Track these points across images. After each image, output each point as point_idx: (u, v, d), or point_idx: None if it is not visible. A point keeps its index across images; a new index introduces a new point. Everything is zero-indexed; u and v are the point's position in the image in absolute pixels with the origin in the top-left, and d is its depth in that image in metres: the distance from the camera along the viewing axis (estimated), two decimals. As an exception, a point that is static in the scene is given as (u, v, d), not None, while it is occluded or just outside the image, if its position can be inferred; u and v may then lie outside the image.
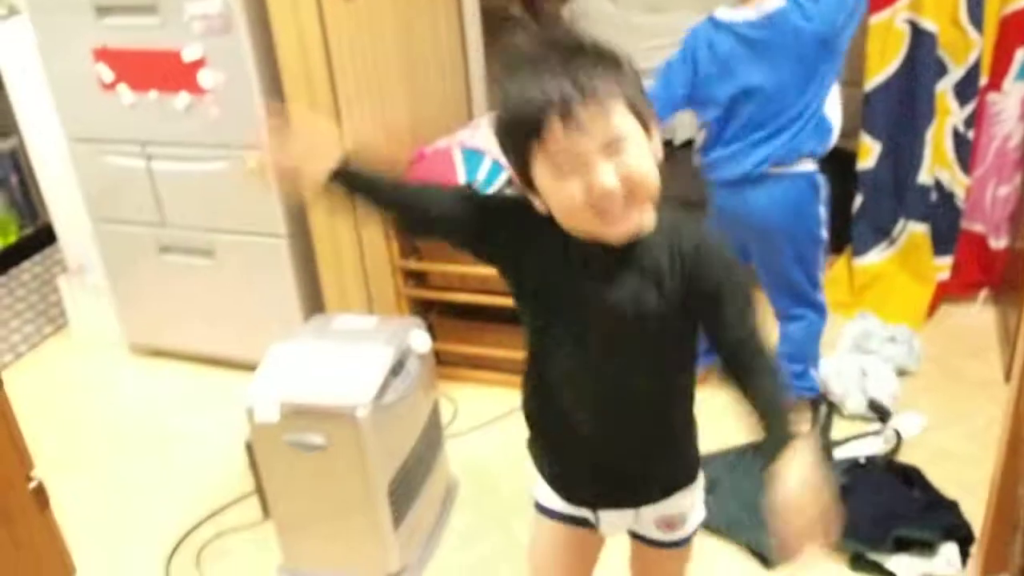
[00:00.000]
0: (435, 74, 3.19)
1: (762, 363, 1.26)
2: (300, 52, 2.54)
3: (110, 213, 3.05)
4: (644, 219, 1.21)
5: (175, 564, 2.37)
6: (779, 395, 1.24)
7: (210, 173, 2.83)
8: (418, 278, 3.00)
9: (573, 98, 1.13)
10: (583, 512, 1.52)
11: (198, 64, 2.67)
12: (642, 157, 1.18)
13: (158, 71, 2.73)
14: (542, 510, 1.57)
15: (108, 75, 2.78)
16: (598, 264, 1.27)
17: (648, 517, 1.50)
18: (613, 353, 1.32)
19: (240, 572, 2.33)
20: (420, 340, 2.26)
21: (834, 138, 2.38)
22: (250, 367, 2.17)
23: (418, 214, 1.43)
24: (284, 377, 2.12)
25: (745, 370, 1.26)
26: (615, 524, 1.53)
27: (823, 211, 2.43)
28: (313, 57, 2.55)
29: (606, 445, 1.41)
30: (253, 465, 2.18)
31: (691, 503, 1.52)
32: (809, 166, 2.36)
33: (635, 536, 1.57)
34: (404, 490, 2.20)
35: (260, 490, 2.22)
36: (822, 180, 2.40)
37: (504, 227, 1.34)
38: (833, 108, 2.35)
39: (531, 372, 1.44)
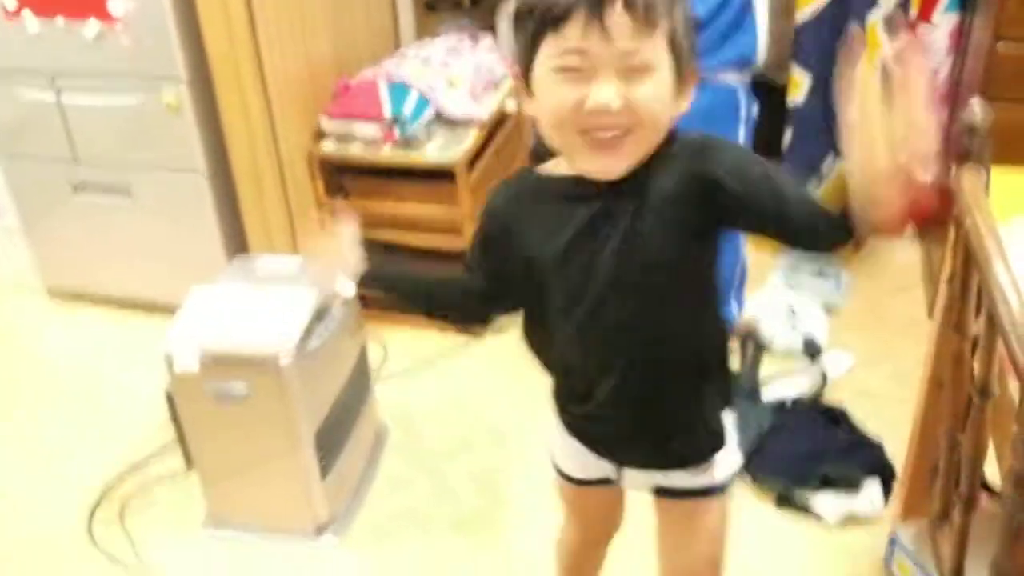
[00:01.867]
0: (360, 2, 3.08)
1: (811, 208, 1.13)
2: (216, -22, 2.42)
3: (19, 150, 2.90)
4: (640, 160, 1.11)
5: (98, 517, 2.30)
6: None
7: (124, 107, 2.70)
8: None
9: (614, 1, 1.01)
10: (603, 471, 1.42)
11: (106, -10, 2.53)
12: (658, 96, 1.06)
13: (64, -3, 2.58)
14: (561, 475, 1.49)
15: (11, 1, 2.63)
16: (604, 209, 1.15)
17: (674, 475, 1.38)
18: (636, 304, 1.20)
19: (164, 524, 2.28)
20: (345, 283, 2.20)
21: (760, 49, 2.30)
22: (172, 310, 2.10)
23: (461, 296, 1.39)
24: (204, 324, 2.05)
25: (804, 225, 1.13)
26: (638, 480, 1.41)
27: (742, 132, 2.36)
28: (229, -15, 2.43)
29: (636, 403, 1.29)
30: (174, 415, 2.12)
31: (727, 455, 1.38)
32: (731, 79, 2.29)
33: (661, 492, 1.41)
34: (331, 438, 2.16)
35: (182, 441, 2.16)
36: (744, 98, 2.32)
37: (503, 226, 1.25)
38: (760, 15, 2.27)
39: (546, 335, 1.31)
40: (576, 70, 1.04)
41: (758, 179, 1.11)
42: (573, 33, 1.02)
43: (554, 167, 1.22)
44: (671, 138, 1.14)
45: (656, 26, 1.04)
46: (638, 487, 1.43)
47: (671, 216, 1.13)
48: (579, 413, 1.37)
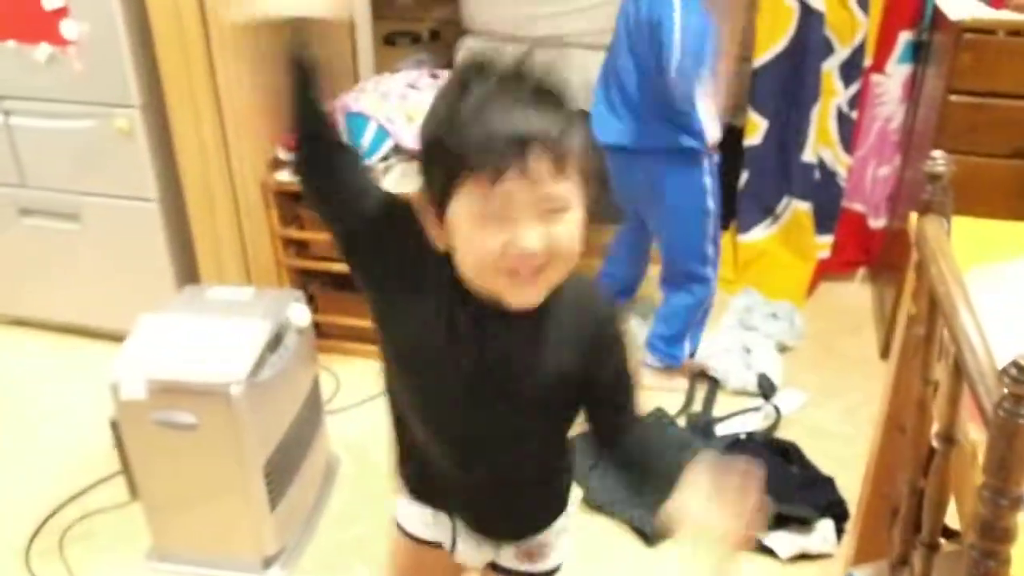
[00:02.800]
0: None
1: (652, 453, 1.25)
2: (172, 4, 2.39)
3: (-35, 172, 2.84)
4: (552, 287, 1.11)
5: (36, 547, 2.23)
6: (675, 467, 1.18)
7: (75, 131, 2.65)
8: (299, 247, 2.89)
9: (534, 143, 1.00)
10: (440, 536, 1.44)
11: (60, 13, 2.49)
12: (575, 231, 1.07)
13: (16, 19, 2.53)
14: (400, 529, 1.50)
15: (-39, 23, 2.58)
16: (492, 326, 1.15)
17: (509, 550, 1.42)
18: (497, 416, 1.21)
19: (106, 556, 2.21)
20: (299, 313, 2.17)
21: (709, 136, 2.40)
22: (119, 338, 2.05)
23: (340, 177, 1.20)
24: (152, 351, 2.00)
25: (637, 462, 1.25)
26: (471, 554, 1.44)
27: (709, 182, 2.45)
28: (186, 11, 2.40)
29: (477, 488, 1.32)
30: (119, 444, 2.06)
31: (557, 533, 1.43)
32: (693, 141, 2.39)
33: (495, 569, 1.45)
34: (281, 469, 2.11)
35: (127, 470, 2.10)
36: (709, 183, 2.46)
37: (401, 249, 1.17)
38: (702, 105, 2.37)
39: (395, 401, 1.32)
40: (500, 216, 1.03)
41: (625, 391, 1.23)
42: (494, 180, 1.01)
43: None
44: (579, 281, 1.16)
45: (570, 165, 1.05)
46: (472, 560, 1.45)
47: (558, 362, 1.18)
48: (421, 485, 1.41)
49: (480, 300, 1.12)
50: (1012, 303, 1.15)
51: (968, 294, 0.97)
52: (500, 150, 1.00)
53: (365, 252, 1.19)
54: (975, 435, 1.11)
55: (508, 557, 1.42)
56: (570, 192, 1.05)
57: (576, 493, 1.76)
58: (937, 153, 1.20)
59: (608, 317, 1.21)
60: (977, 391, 0.88)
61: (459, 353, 1.17)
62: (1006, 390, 0.80)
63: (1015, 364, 0.79)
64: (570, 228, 1.06)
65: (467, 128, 1.02)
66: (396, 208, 1.17)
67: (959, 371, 0.96)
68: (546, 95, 1.04)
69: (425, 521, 1.44)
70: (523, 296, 1.09)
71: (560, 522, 1.42)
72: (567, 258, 1.08)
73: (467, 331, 1.15)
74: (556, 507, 1.42)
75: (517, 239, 1.03)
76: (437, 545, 1.45)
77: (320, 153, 1.20)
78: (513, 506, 1.37)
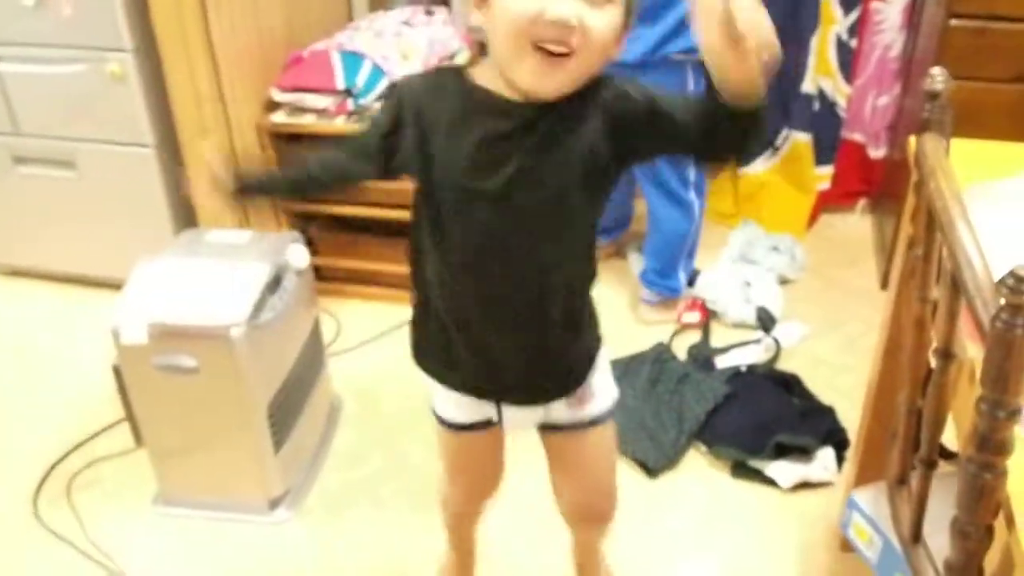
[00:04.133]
0: (311, -28, 3.02)
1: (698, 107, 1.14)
2: (160, -55, 2.35)
3: (-44, 121, 2.81)
4: (569, 86, 1.13)
5: (44, 494, 2.25)
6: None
7: (66, 76, 2.62)
8: (297, 190, 2.88)
9: None
10: (484, 413, 1.44)
11: (47, -44, 2.45)
12: (610, 29, 1.10)
13: (2, -36, 2.50)
14: (443, 423, 1.50)
15: (-55, -32, 2.54)
16: (520, 124, 1.16)
17: (559, 404, 1.42)
18: (535, 225, 1.21)
19: (113, 502, 2.23)
20: (298, 255, 2.17)
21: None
22: (119, 285, 2.04)
23: (343, 176, 1.34)
24: (152, 296, 1.99)
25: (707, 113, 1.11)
26: (519, 420, 1.45)
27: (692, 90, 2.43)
28: (175, -51, 2.36)
29: (521, 333, 1.30)
30: (122, 390, 2.07)
31: (600, 371, 1.44)
32: (680, 59, 2.35)
33: (546, 429, 1.47)
34: (284, 411, 2.12)
35: (131, 416, 2.11)
36: (691, 76, 2.39)
37: (415, 113, 1.21)
38: None
39: (431, 265, 1.29)
40: None
41: (659, 93, 1.16)
42: None
43: (479, 74, 1.21)
44: (596, 82, 1.17)
45: None
46: (521, 426, 1.46)
47: (578, 153, 1.16)
48: (453, 355, 1.36)
49: (503, 101, 1.15)
50: (1010, 218, 1.14)
51: (965, 209, 0.96)
52: None
53: (404, 163, 1.23)
54: (973, 353, 1.10)
55: (560, 411, 1.42)
56: None
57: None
58: (936, 70, 1.18)
59: (613, 84, 1.18)
60: (974, 304, 0.88)
61: (491, 152, 1.17)
62: (1003, 300, 0.80)
63: (1012, 274, 0.79)
64: (608, 20, 1.09)
65: None
66: (391, 120, 1.22)
67: (956, 285, 0.96)
68: None
69: (466, 407, 1.44)
70: (546, 81, 1.10)
71: (598, 360, 1.42)
72: (596, 50, 1.10)
73: (495, 130, 1.16)
74: (593, 345, 1.41)
75: (553, 5, 1.05)
76: (483, 424, 1.45)
77: (316, 190, 1.41)
78: (553, 353, 1.34)
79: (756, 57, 1.01)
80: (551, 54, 1.08)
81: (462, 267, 1.25)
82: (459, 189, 1.20)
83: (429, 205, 1.24)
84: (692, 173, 2.57)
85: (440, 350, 1.38)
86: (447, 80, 1.22)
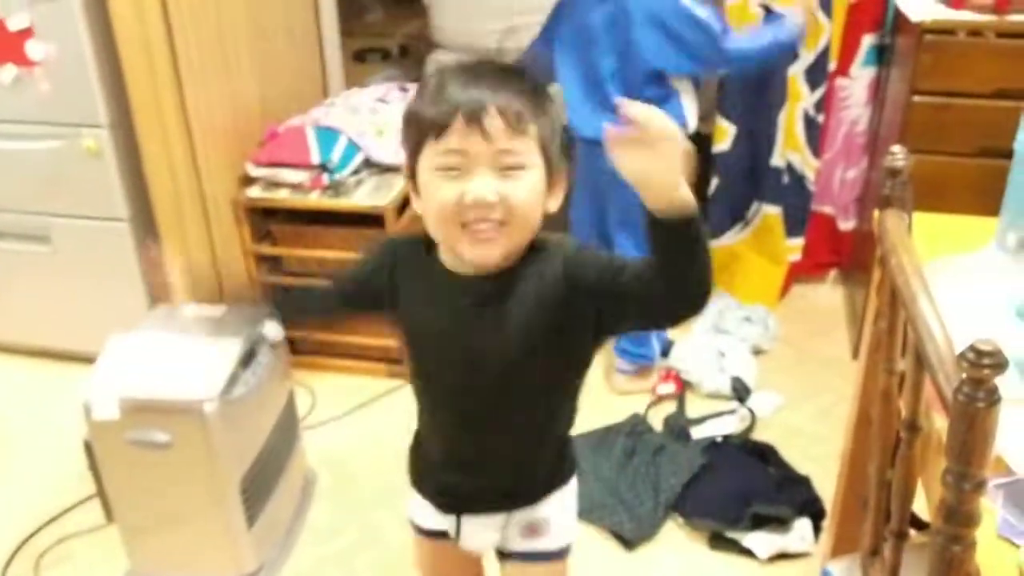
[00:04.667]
0: (286, 48, 3.07)
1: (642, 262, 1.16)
2: (137, 19, 2.39)
3: (-68, 196, 2.81)
4: (511, 252, 1.19)
5: (12, 572, 2.20)
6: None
7: (42, 152, 2.64)
8: (272, 262, 2.89)
9: (488, 107, 1.12)
10: (444, 524, 1.48)
11: (25, 34, 2.48)
12: (530, 193, 1.15)
13: (-20, 42, 2.52)
14: (415, 527, 1.56)
15: (-75, 46, 2.56)
16: (479, 300, 1.24)
17: (515, 526, 1.44)
18: (507, 384, 1.28)
19: (82, 579, 2.19)
20: (272, 329, 2.16)
21: (689, 122, 2.43)
22: (91, 360, 2.03)
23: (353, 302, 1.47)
24: (124, 370, 1.99)
25: (643, 273, 1.15)
26: (476, 537, 1.47)
27: None
28: (151, 25, 2.40)
29: (494, 459, 1.39)
30: (93, 466, 2.04)
31: (560, 508, 1.46)
32: None
33: (502, 556, 1.50)
34: (258, 486, 2.10)
35: (101, 492, 2.08)
36: None
37: (390, 267, 1.33)
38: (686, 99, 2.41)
39: (422, 415, 1.43)
40: (456, 169, 1.14)
41: (606, 261, 1.20)
42: (453, 136, 1.13)
43: (441, 249, 1.28)
44: (543, 241, 1.23)
45: (526, 130, 1.14)
46: (478, 546, 1.49)
47: (536, 311, 1.22)
48: (431, 465, 1.46)
49: (462, 278, 1.23)
50: (971, 292, 1.17)
51: (927, 283, 0.99)
52: (454, 111, 1.12)
53: (383, 303, 1.34)
54: (940, 423, 1.12)
55: (513, 538, 1.45)
56: (528, 151, 1.15)
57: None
58: (896, 148, 1.21)
59: (567, 251, 1.23)
60: (937, 378, 0.89)
61: (457, 326, 1.26)
62: (964, 375, 0.81)
63: (972, 349, 0.80)
64: (527, 185, 1.15)
65: (430, 98, 1.16)
66: (370, 267, 1.37)
67: (920, 359, 0.97)
68: (506, 71, 1.17)
69: (428, 513, 1.49)
70: (482, 252, 1.17)
71: (561, 495, 1.44)
72: (524, 216, 1.16)
73: (458, 306, 1.25)
74: (556, 471, 1.44)
75: (471, 187, 1.13)
76: (442, 534, 1.49)
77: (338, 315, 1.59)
78: (515, 464, 1.39)
79: (667, 152, 1.03)
80: (480, 232, 1.15)
81: (442, 406, 1.37)
82: (432, 353, 1.32)
83: (409, 351, 1.36)
84: None
85: (420, 457, 1.50)
86: (418, 253, 1.29)
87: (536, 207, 1.17)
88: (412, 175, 1.22)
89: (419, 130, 1.17)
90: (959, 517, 0.88)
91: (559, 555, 1.48)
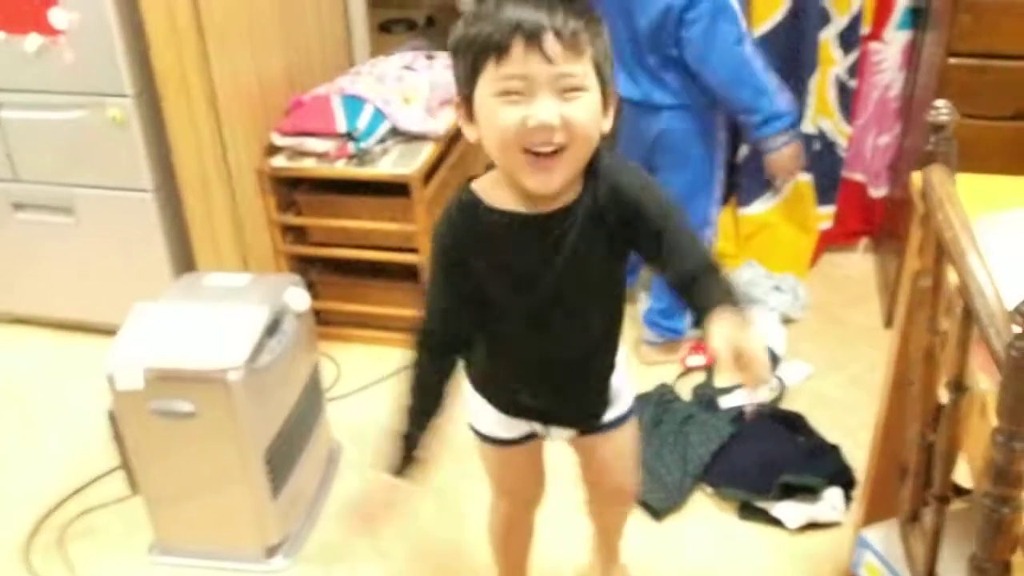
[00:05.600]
0: (312, 17, 3.04)
1: (695, 253, 1.27)
2: (162, -10, 2.36)
3: (-44, 168, 2.81)
4: (570, 176, 1.22)
5: (36, 544, 2.21)
6: (714, 266, 1.26)
7: (67, 123, 2.62)
8: (298, 233, 2.87)
9: (547, 27, 1.12)
10: (526, 429, 1.58)
11: (49, 2, 2.45)
12: (590, 114, 1.17)
13: (4, 9, 2.50)
14: (484, 438, 1.62)
15: (-52, 16, 2.55)
16: (548, 236, 1.28)
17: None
18: (574, 312, 1.36)
19: (108, 551, 2.19)
20: (298, 298, 2.15)
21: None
22: (116, 331, 2.02)
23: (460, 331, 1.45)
24: (148, 340, 1.98)
25: (681, 263, 1.26)
26: (561, 433, 1.60)
27: (722, 136, 2.54)
28: (177, -2, 2.37)
29: (567, 391, 1.48)
30: (117, 436, 2.04)
31: (619, 381, 1.58)
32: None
33: (582, 432, 1.61)
34: (282, 457, 2.09)
35: (126, 463, 2.08)
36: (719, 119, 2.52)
37: (465, 250, 1.33)
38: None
39: (489, 340, 1.45)
40: (518, 93, 1.14)
41: (670, 214, 1.28)
42: (514, 60, 1.13)
43: (491, 189, 1.31)
44: (597, 158, 1.26)
45: (583, 52, 1.16)
46: (563, 436, 1.62)
47: (599, 236, 1.29)
48: (514, 398, 1.52)
49: (528, 218, 1.27)
50: (1016, 250, 1.12)
51: (975, 238, 0.95)
52: (514, 32, 1.12)
53: (473, 285, 1.36)
54: (984, 385, 1.08)
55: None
56: (585, 74, 1.16)
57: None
58: (940, 102, 1.17)
59: (633, 177, 1.28)
60: (988, 334, 0.85)
61: (535, 266, 1.31)
62: (1018, 329, 0.78)
63: (1026, 301, 0.77)
64: (586, 107, 1.16)
65: (486, 20, 1.15)
66: (445, 271, 1.37)
67: (969, 315, 0.93)
68: None
69: (509, 424, 1.57)
70: (543, 179, 1.19)
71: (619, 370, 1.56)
72: (584, 139, 1.18)
73: (531, 247, 1.29)
74: (614, 359, 1.54)
75: (533, 112, 1.13)
76: (526, 438, 1.59)
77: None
78: (600, 382, 1.52)
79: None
80: (543, 155, 1.17)
81: (523, 342, 1.42)
82: (510, 302, 1.36)
83: (486, 306, 1.38)
84: (704, 210, 2.58)
85: (496, 387, 1.53)
86: (468, 214, 1.31)
87: (595, 128, 1.19)
88: (466, 102, 1.22)
89: (476, 55, 1.16)
90: (1009, 478, 0.84)
91: (631, 413, 1.63)
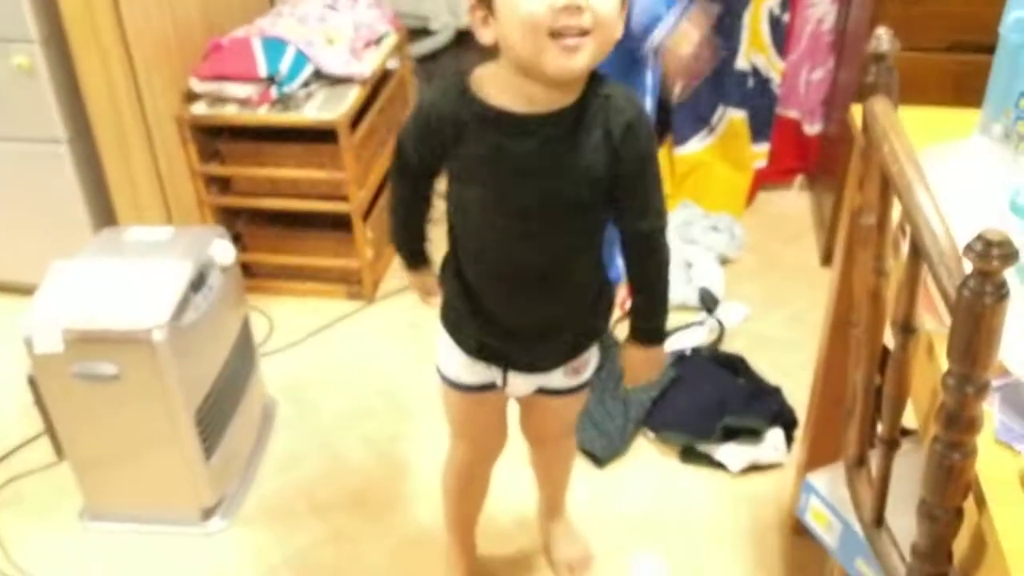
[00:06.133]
0: (228, -43, 2.90)
1: (656, 260, 1.43)
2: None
3: None
4: (591, 64, 1.21)
5: (-40, 515, 2.12)
6: (662, 294, 1.47)
7: (-31, 72, 2.48)
8: (222, 184, 2.76)
9: None
10: (490, 377, 1.56)
11: (-59, -56, 2.30)
12: (613, 6, 1.19)
13: None
14: (450, 383, 1.61)
15: None
16: (542, 142, 1.27)
17: (558, 372, 1.57)
18: (556, 218, 1.34)
19: (37, 519, 2.11)
20: (223, 251, 2.06)
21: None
22: (33, 291, 1.92)
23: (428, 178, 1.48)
24: (67, 300, 1.88)
25: (641, 259, 1.43)
26: (521, 386, 1.58)
27: (650, 79, 2.42)
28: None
29: (540, 312, 1.45)
30: (39, 402, 1.95)
31: (595, 349, 1.61)
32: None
33: (538, 392, 1.61)
34: (214, 417, 2.02)
35: (50, 429, 1.99)
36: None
37: (442, 135, 1.32)
38: None
39: (462, 248, 1.45)
40: None
41: (647, 179, 1.34)
42: None
43: (486, 82, 1.29)
44: (601, 81, 1.29)
45: None
46: (522, 391, 1.61)
47: (591, 159, 1.29)
48: (481, 337, 1.50)
49: (521, 125, 1.26)
50: (961, 184, 1.10)
51: (923, 171, 0.91)
52: None
53: (443, 158, 1.37)
54: (929, 325, 1.06)
55: (557, 378, 1.58)
56: None
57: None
58: (880, 31, 1.13)
59: (633, 118, 1.28)
60: (938, 272, 0.82)
61: (527, 166, 1.29)
62: (971, 267, 0.74)
63: (980, 239, 0.73)
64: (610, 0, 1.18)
65: None
66: (420, 137, 1.37)
67: (917, 255, 0.90)
68: None
69: (474, 370, 1.56)
70: (568, 62, 1.18)
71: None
72: (607, 27, 1.19)
73: (527, 147, 1.28)
74: (599, 326, 1.58)
75: None
76: (488, 387, 1.58)
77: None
78: (576, 314, 1.50)
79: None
80: (570, 36, 1.17)
81: (495, 250, 1.40)
82: (491, 198, 1.34)
83: (463, 197, 1.38)
84: None
85: (464, 315, 1.50)
86: (461, 100, 1.30)
87: (616, 21, 1.21)
88: (482, 3, 1.21)
89: None
90: (961, 423, 0.81)
91: (588, 383, 1.64)
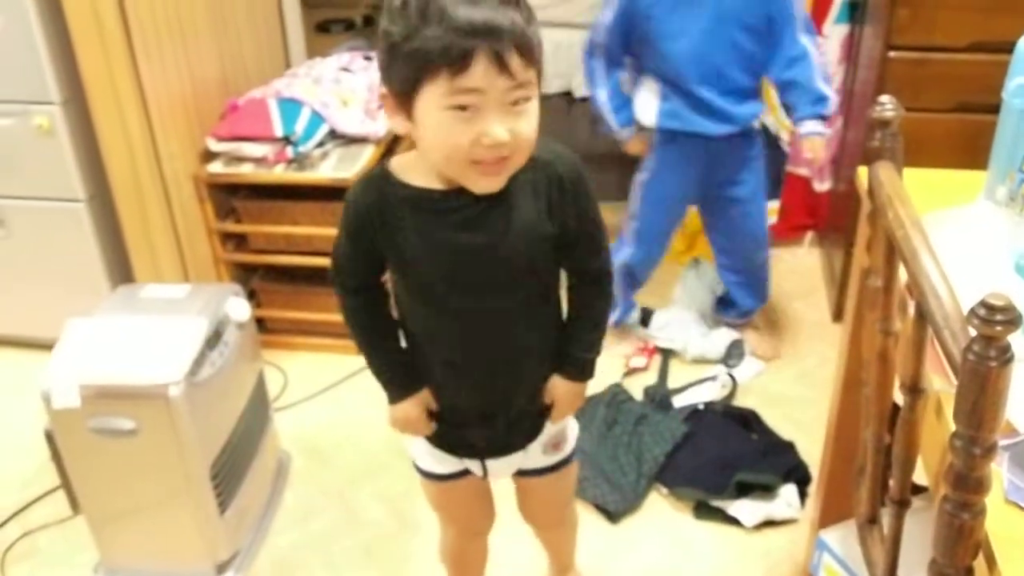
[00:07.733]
0: (245, 19, 2.97)
1: (605, 295, 1.42)
2: (87, -6, 2.28)
3: None
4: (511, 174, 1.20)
5: (-26, 569, 2.13)
6: (604, 328, 1.45)
7: (-8, 132, 2.53)
8: (238, 240, 2.80)
9: (510, 37, 1.06)
10: (463, 465, 1.53)
11: (-32, 9, 2.37)
12: (535, 122, 1.16)
13: (-79, 18, 2.41)
14: (425, 475, 1.58)
15: None
16: (472, 216, 1.23)
17: (538, 446, 1.53)
18: (503, 294, 1.31)
19: (53, 573, 2.12)
20: (238, 308, 2.09)
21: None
22: (51, 347, 1.95)
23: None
24: (84, 356, 1.90)
25: (592, 296, 1.41)
26: (502, 470, 1.55)
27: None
28: (102, 1, 2.29)
29: (501, 388, 1.41)
30: (56, 456, 1.97)
31: (572, 422, 1.58)
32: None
33: (521, 474, 1.58)
34: (229, 471, 2.03)
35: (66, 483, 2.00)
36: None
37: (372, 227, 1.29)
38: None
39: (415, 338, 1.41)
40: (471, 107, 1.09)
41: (591, 231, 1.33)
42: (473, 75, 1.06)
43: (408, 166, 1.26)
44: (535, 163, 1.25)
45: (536, 54, 1.12)
46: (503, 475, 1.57)
47: (531, 224, 1.25)
48: (450, 419, 1.46)
49: (453, 199, 1.22)
50: (966, 248, 1.12)
51: (927, 237, 0.93)
52: (468, 42, 1.04)
53: (380, 257, 1.33)
54: (938, 385, 1.07)
55: (536, 456, 1.54)
56: (534, 81, 1.13)
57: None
58: (884, 98, 1.16)
59: (569, 170, 1.27)
60: (943, 336, 0.84)
61: (449, 245, 1.26)
62: (975, 332, 0.76)
63: (984, 304, 0.75)
64: (533, 115, 1.15)
65: (431, 23, 1.06)
66: (351, 226, 1.32)
67: (923, 317, 0.92)
68: None
69: (445, 459, 1.53)
70: (489, 184, 1.18)
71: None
72: (529, 146, 1.16)
73: (459, 220, 1.24)
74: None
75: (488, 132, 1.10)
76: (462, 474, 1.55)
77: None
78: (536, 388, 1.45)
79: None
80: (490, 163, 1.15)
81: (449, 334, 1.36)
82: (438, 284, 1.30)
83: (407, 283, 1.34)
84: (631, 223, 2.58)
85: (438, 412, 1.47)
86: (389, 190, 1.26)
87: (536, 131, 1.17)
88: (398, 99, 1.14)
89: (425, 62, 1.07)
90: (969, 483, 0.82)
91: (572, 457, 1.60)
